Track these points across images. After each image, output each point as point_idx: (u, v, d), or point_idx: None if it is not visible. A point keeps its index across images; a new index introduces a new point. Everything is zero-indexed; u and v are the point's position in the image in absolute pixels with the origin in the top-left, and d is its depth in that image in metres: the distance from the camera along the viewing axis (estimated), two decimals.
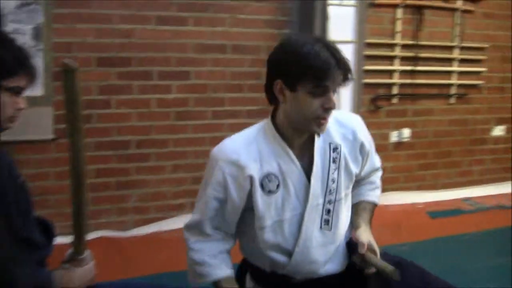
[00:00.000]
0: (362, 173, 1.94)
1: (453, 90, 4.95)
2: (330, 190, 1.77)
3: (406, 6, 4.58)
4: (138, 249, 3.47)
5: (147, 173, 3.86)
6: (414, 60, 4.66)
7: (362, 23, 4.21)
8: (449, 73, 4.92)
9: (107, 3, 3.62)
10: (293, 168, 1.73)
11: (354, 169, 1.84)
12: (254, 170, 1.69)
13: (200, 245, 1.80)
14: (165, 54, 3.81)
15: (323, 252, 1.79)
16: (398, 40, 4.59)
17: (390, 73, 4.63)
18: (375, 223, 3.97)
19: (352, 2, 4.12)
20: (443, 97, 4.93)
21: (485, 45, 5.07)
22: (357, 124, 1.89)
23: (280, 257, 1.78)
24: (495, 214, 4.62)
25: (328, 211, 1.77)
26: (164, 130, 3.88)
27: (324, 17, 4.02)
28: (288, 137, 1.73)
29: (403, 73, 4.66)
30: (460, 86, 4.99)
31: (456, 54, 4.89)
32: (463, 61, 4.97)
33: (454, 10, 4.85)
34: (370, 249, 1.75)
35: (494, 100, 5.21)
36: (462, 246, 3.89)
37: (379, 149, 4.58)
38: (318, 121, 1.66)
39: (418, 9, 4.64)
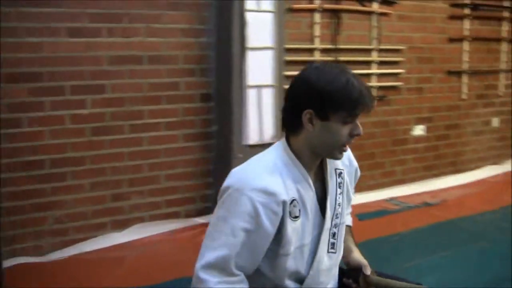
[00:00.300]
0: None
1: (373, 93, 5.28)
2: (337, 214, 1.89)
3: (323, 10, 4.87)
4: (59, 274, 3.52)
5: (64, 193, 3.90)
6: None
7: (280, 28, 4.42)
8: (368, 75, 5.26)
9: (13, 16, 3.63)
10: (310, 193, 1.82)
11: (351, 193, 2.00)
12: (284, 196, 1.73)
13: (228, 286, 1.70)
14: (78, 67, 3.86)
15: (329, 275, 1.92)
16: (317, 44, 4.87)
17: None
18: None
19: (270, 8, 4.32)
20: None
21: (402, 47, 5.46)
22: (349, 149, 1.96)
23: (293, 285, 1.85)
24: (421, 212, 5.01)
25: (334, 235, 1.90)
26: (80, 147, 3.94)
27: (242, 24, 4.20)
28: (306, 163, 1.81)
29: None
30: (380, 88, 5.35)
31: (374, 56, 5.25)
32: (381, 64, 5.33)
33: (370, 13, 5.20)
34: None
35: (413, 101, 5.62)
36: (391, 246, 4.20)
37: None
38: (343, 147, 1.78)
39: (335, 13, 4.95)
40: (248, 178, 1.75)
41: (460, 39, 5.94)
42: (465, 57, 6.00)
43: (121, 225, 4.11)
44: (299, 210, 1.78)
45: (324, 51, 4.93)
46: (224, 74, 4.30)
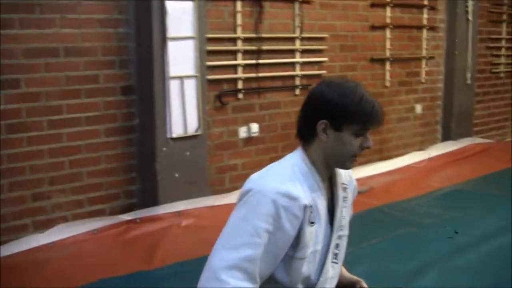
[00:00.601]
0: None
1: (297, 82, 5.57)
2: (341, 227, 2.06)
3: None
4: None
5: None
6: (257, 53, 5.19)
7: (201, 17, 4.59)
8: (292, 64, 5.53)
9: None
10: (323, 202, 1.97)
11: (352, 209, 2.18)
12: (306, 201, 1.88)
13: (248, 284, 1.76)
14: None
15: (331, 285, 2.07)
16: (239, 33, 5.08)
17: (234, 67, 5.12)
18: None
19: None
20: (289, 89, 5.54)
21: (325, 35, 5.76)
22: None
23: None
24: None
25: (337, 246, 2.06)
26: None
27: (162, 13, 4.35)
28: (320, 173, 1.97)
29: (247, 67, 5.17)
30: (304, 77, 5.63)
31: (297, 45, 5.52)
32: (305, 52, 5.62)
33: (293, 1, 5.46)
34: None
35: None
36: None
37: (229, 146, 5.07)
38: (353, 158, 1.96)
39: (257, 1, 5.17)
40: (270, 182, 1.87)
41: (383, 27, 6.32)
42: (388, 44, 6.40)
43: (43, 226, 4.17)
44: (315, 217, 1.92)
45: (247, 40, 5.15)
46: (145, 65, 4.43)
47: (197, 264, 3.80)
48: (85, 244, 4.12)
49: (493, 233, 4.30)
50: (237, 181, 5.24)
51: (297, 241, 1.89)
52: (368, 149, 1.97)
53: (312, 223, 1.92)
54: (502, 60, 8.13)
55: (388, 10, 6.36)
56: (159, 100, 4.41)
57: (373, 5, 6.20)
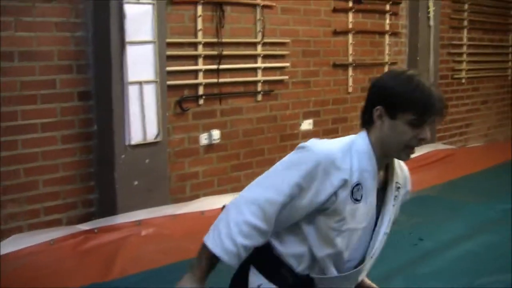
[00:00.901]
0: None
1: (259, 87, 5.61)
2: (388, 224, 2.10)
3: (206, 3, 5.10)
4: None
5: None
6: (218, 58, 5.20)
7: (161, 21, 4.59)
8: (254, 70, 5.57)
9: None
10: (374, 187, 2.01)
11: (399, 212, 2.20)
12: (348, 175, 1.94)
13: (250, 232, 1.90)
14: None
15: (357, 277, 2.12)
16: (200, 38, 5.09)
17: (194, 73, 5.12)
18: (190, 232, 4.43)
19: (150, 1, 4.48)
20: (250, 95, 5.57)
21: (287, 40, 5.81)
22: (408, 172, 2.22)
23: (329, 264, 2.03)
24: None
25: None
26: None
27: (121, 17, 4.33)
28: (377, 157, 2.01)
29: (208, 72, 5.18)
30: (266, 82, 5.67)
31: (259, 50, 5.56)
32: (267, 57, 5.66)
33: (254, 5, 5.50)
34: None
35: (300, 95, 6.00)
36: None
37: (190, 153, 5.06)
38: (408, 150, 1.96)
39: (218, 6, 5.19)
40: (324, 146, 1.98)
41: (345, 32, 6.41)
42: (350, 50, 6.49)
43: None
44: (361, 196, 1.97)
45: (208, 45, 5.16)
46: (103, 70, 4.41)
47: (157, 275, 3.81)
48: (41, 255, 4.05)
49: (458, 239, 4.40)
50: (198, 189, 5.24)
51: (336, 212, 1.96)
52: (425, 141, 1.96)
53: (357, 200, 1.97)
54: (464, 66, 8.32)
55: (350, 16, 6.45)
56: (118, 106, 4.39)
57: (335, 10, 6.29)
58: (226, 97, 5.36)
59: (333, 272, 2.05)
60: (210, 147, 5.30)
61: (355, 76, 6.55)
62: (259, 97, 5.63)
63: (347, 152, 1.99)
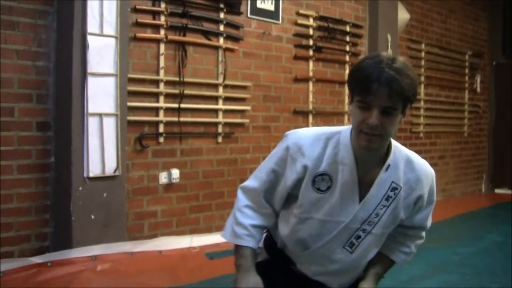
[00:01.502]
0: (408, 222, 2.24)
1: (220, 129, 5.73)
2: (370, 222, 2.12)
3: (169, 42, 5.26)
4: None
5: None
6: (180, 97, 5.33)
7: (124, 56, 4.70)
8: (215, 111, 5.70)
9: None
10: (349, 181, 2.07)
11: (402, 215, 2.17)
12: (311, 163, 2.08)
13: (250, 212, 2.23)
14: None
15: (334, 266, 2.21)
16: (162, 76, 5.22)
17: (155, 110, 5.22)
18: (148, 270, 4.42)
19: (113, 33, 4.59)
20: (211, 136, 5.68)
21: (248, 84, 5.99)
22: (426, 176, 2.18)
23: (297, 248, 2.23)
24: None
25: (358, 237, 2.15)
26: None
27: (84, 47, 4.42)
28: (357, 154, 2.06)
29: (169, 110, 5.28)
30: (227, 124, 5.80)
31: (221, 92, 5.70)
32: (228, 100, 5.81)
33: (217, 48, 5.69)
34: None
35: (260, 139, 6.13)
36: None
37: (149, 191, 5.08)
38: (362, 135, 1.97)
39: (181, 45, 5.35)
40: (298, 133, 2.19)
41: (306, 80, 6.63)
42: (311, 97, 6.69)
43: None
44: (328, 187, 2.09)
45: (169, 83, 5.29)
46: (64, 100, 4.47)
47: None
48: None
49: (418, 277, 4.54)
50: (157, 229, 5.25)
51: (297, 197, 2.15)
52: (371, 126, 1.92)
53: (319, 190, 2.10)
54: (422, 120, 8.62)
55: (311, 64, 6.69)
56: (77, 137, 4.43)
57: (296, 58, 6.52)
58: (186, 136, 5.45)
59: (297, 253, 2.24)
60: (169, 186, 5.34)
61: (315, 124, 6.72)
62: (220, 139, 5.73)
63: (321, 141, 2.11)
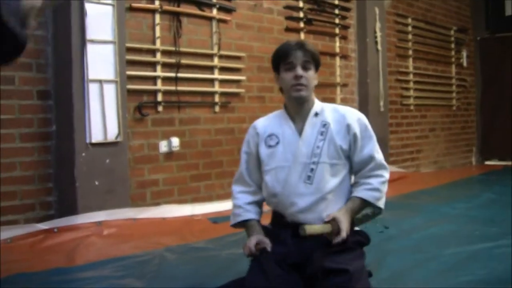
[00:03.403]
0: (356, 159, 2.75)
1: (217, 98, 5.73)
2: (315, 154, 2.69)
3: (164, 12, 5.25)
4: None
5: None
6: (176, 67, 5.33)
7: (121, 24, 4.68)
8: (211, 81, 5.70)
9: None
10: (289, 132, 2.75)
11: (340, 143, 2.71)
12: (261, 131, 2.82)
13: (241, 195, 2.88)
14: None
15: (303, 201, 2.68)
16: (158, 45, 5.22)
17: (153, 80, 5.22)
18: (153, 232, 4.43)
19: (110, 1, 4.59)
20: (208, 105, 5.68)
21: (242, 54, 6.00)
22: (351, 112, 2.81)
23: (273, 196, 2.76)
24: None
25: (311, 170, 2.68)
26: None
27: (82, 15, 4.41)
28: (291, 113, 2.77)
29: (166, 80, 5.29)
30: (223, 94, 5.80)
31: (216, 62, 5.71)
32: (223, 70, 5.81)
33: (210, 19, 5.69)
34: (335, 222, 2.58)
35: (256, 109, 6.13)
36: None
37: (150, 160, 5.07)
38: (294, 87, 2.69)
39: (175, 16, 5.36)
40: (256, 121, 2.90)
41: None
42: None
43: None
44: (277, 142, 2.75)
45: (166, 53, 5.29)
46: (63, 68, 4.46)
47: (120, 261, 3.74)
48: None
49: (420, 227, 4.56)
50: (159, 197, 5.25)
51: (260, 158, 2.80)
52: (299, 77, 2.67)
53: (270, 146, 2.77)
54: (411, 93, 8.67)
55: (302, 35, 6.71)
56: (78, 104, 4.42)
57: (287, 30, 6.54)
58: (184, 105, 5.45)
59: (277, 203, 2.76)
60: (170, 154, 5.34)
61: None
62: (217, 109, 5.74)
63: (268, 117, 2.90)
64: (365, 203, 2.74)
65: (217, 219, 5.06)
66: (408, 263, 3.48)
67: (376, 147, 2.78)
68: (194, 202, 5.49)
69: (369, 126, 2.81)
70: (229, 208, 5.38)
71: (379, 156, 2.78)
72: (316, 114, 2.74)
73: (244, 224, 2.83)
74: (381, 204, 2.75)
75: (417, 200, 5.95)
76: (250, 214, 2.82)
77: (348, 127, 2.72)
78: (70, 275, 3.48)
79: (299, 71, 2.67)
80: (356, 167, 2.78)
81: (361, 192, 2.73)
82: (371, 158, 2.75)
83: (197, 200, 5.56)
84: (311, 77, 2.72)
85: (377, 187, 2.73)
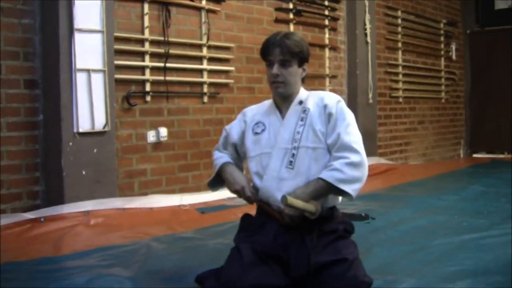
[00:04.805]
0: (329, 140, 2.76)
1: (205, 89, 5.72)
2: (295, 139, 2.77)
3: (152, 2, 5.23)
4: None
5: None
6: (165, 57, 5.31)
7: (109, 13, 4.66)
8: (200, 71, 5.69)
9: None
10: (275, 120, 2.87)
11: (319, 127, 2.77)
12: (249, 119, 2.95)
13: (218, 154, 3.05)
14: None
15: (285, 185, 2.74)
16: (147, 35, 5.20)
17: (141, 69, 5.20)
18: (141, 222, 4.44)
19: None
20: (197, 96, 5.67)
21: (231, 45, 5.99)
22: (329, 95, 2.86)
23: (258, 182, 2.84)
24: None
25: (293, 155, 2.76)
26: None
27: (70, 4, 4.38)
28: (278, 103, 2.89)
29: (155, 70, 5.27)
30: (212, 85, 5.80)
31: (205, 52, 5.70)
32: (212, 60, 5.80)
33: (199, 9, 5.68)
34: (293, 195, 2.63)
35: (245, 100, 6.12)
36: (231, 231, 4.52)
37: (138, 150, 5.07)
38: (273, 84, 2.80)
39: (164, 6, 5.34)
40: (247, 108, 3.06)
41: None
42: None
43: None
44: (263, 130, 2.86)
45: (154, 43, 5.27)
46: (51, 57, 4.43)
47: (107, 251, 3.74)
48: None
49: (407, 218, 4.58)
50: (147, 187, 5.24)
51: (245, 146, 2.92)
52: (275, 76, 2.75)
53: (256, 133, 2.88)
54: (400, 85, 8.69)
55: (292, 27, 6.71)
56: (65, 92, 4.40)
57: (277, 21, 6.53)
58: (173, 96, 5.44)
59: (263, 191, 2.83)
60: (157, 145, 5.33)
61: None
62: (205, 99, 5.73)
63: (259, 106, 3.02)
64: (328, 185, 2.65)
65: (204, 209, 5.07)
66: (396, 254, 3.51)
67: (347, 129, 2.72)
68: (182, 192, 5.49)
69: (347, 110, 2.79)
70: (217, 198, 5.54)
71: (348, 137, 2.70)
72: (301, 102, 2.83)
73: (222, 170, 2.95)
74: (345, 187, 2.63)
75: (405, 192, 5.99)
76: (225, 158, 2.99)
77: (325, 107, 2.77)
78: (57, 265, 3.47)
79: (275, 69, 2.75)
80: (330, 149, 2.74)
81: (323, 174, 2.67)
82: (338, 138, 2.71)
83: (185, 190, 5.55)
84: (292, 73, 2.77)
85: (338, 168, 2.64)
